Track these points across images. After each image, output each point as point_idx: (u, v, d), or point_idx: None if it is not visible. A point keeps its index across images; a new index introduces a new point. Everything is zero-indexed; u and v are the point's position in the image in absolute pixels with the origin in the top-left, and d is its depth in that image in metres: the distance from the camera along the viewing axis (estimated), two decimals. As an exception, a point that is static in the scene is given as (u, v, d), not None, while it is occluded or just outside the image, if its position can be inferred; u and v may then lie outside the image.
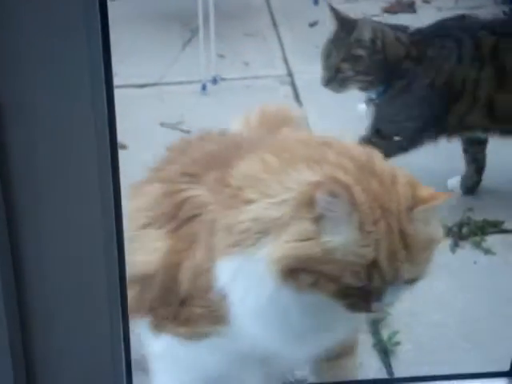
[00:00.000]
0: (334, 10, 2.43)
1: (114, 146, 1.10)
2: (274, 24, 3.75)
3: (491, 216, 2.47)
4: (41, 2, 0.97)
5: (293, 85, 3.28)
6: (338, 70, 2.39)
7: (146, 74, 3.35)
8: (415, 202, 1.27)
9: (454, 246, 2.39)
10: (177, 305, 1.47)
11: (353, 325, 1.46)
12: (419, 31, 2.50)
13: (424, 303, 2.13)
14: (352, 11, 3.69)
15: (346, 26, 2.42)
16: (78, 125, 1.04)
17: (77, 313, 1.17)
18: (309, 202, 1.25)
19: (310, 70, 3.35)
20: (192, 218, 1.45)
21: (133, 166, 2.56)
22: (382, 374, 1.97)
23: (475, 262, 2.34)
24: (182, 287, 1.44)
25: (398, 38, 2.42)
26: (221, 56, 3.42)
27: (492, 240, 2.41)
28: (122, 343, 1.24)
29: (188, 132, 2.82)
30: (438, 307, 2.16)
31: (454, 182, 2.61)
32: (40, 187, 1.07)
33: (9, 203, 1.06)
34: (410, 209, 1.27)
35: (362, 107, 2.57)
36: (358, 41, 2.38)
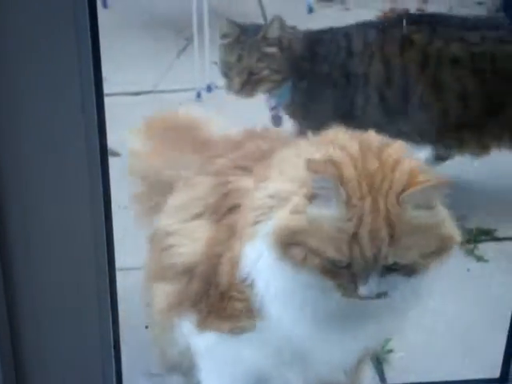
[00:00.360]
0: (229, 20, 2.45)
1: (104, 152, 1.10)
2: (269, 32, 3.75)
3: (484, 224, 2.48)
4: (31, 8, 0.97)
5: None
6: (251, 72, 2.39)
7: (140, 82, 3.35)
8: (408, 186, 1.29)
9: (447, 254, 2.39)
10: (217, 298, 1.49)
11: (374, 330, 1.45)
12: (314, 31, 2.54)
13: (416, 310, 2.13)
14: (347, 19, 3.73)
15: (247, 29, 2.44)
16: (67, 131, 1.05)
17: (66, 313, 1.17)
18: (304, 180, 1.31)
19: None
20: (234, 208, 1.49)
21: (126, 173, 2.58)
22: (375, 382, 1.97)
23: (468, 270, 2.34)
24: (222, 280, 1.47)
25: (300, 37, 2.46)
26: (215, 64, 3.42)
27: (484, 247, 2.42)
28: (112, 351, 1.24)
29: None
30: (430, 314, 2.16)
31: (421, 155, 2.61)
32: (30, 191, 1.07)
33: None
34: (401, 192, 1.28)
35: None
36: (266, 39, 2.40)
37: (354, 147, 1.36)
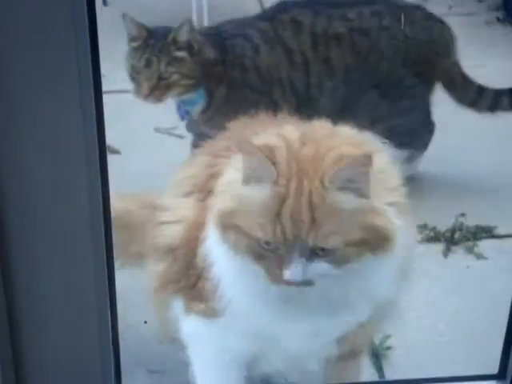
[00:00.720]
0: (136, 22, 2.37)
1: (102, 149, 1.11)
2: (269, 30, 3.75)
3: (483, 221, 2.48)
4: (30, 5, 0.97)
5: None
6: (161, 77, 2.32)
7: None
8: (333, 166, 1.29)
9: (447, 251, 2.39)
10: (195, 280, 1.51)
11: (324, 320, 1.45)
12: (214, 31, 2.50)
13: (416, 307, 2.13)
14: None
15: (155, 32, 2.38)
16: (66, 128, 1.05)
17: (65, 311, 1.17)
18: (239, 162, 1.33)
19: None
20: (213, 190, 1.48)
21: (126, 171, 2.59)
22: (374, 379, 1.97)
23: (467, 267, 2.34)
24: (198, 261, 1.49)
25: (209, 42, 2.42)
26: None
27: (484, 245, 2.42)
28: (111, 347, 1.24)
29: (182, 137, 2.82)
30: (429, 312, 2.17)
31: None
32: (28, 189, 1.07)
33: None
34: (326, 172, 1.28)
35: None
36: (175, 42, 2.34)
37: (293, 136, 1.37)
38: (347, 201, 1.28)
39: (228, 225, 1.34)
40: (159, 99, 2.34)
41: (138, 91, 2.32)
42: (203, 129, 2.44)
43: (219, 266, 1.45)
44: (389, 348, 2.03)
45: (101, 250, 1.16)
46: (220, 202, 1.37)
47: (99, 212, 1.13)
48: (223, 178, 1.44)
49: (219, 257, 1.44)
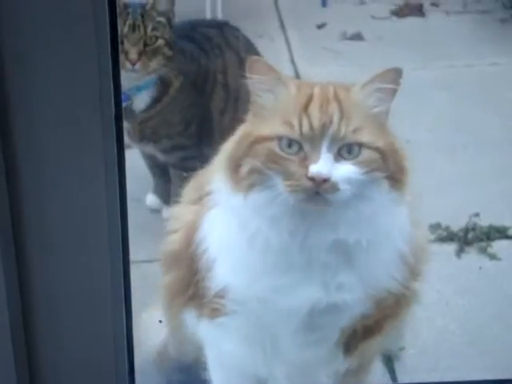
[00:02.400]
0: None
1: (120, 146, 1.09)
2: (282, 25, 3.74)
3: (497, 221, 2.46)
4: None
5: (300, 87, 3.26)
6: (146, 43, 2.31)
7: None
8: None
9: (460, 252, 2.37)
10: (196, 283, 1.48)
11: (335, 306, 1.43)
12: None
13: (429, 308, 2.12)
14: (362, 13, 3.71)
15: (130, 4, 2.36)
16: (85, 119, 1.04)
17: (80, 310, 1.16)
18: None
19: (318, 72, 3.35)
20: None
21: (138, 164, 2.58)
22: (386, 380, 1.95)
23: (480, 268, 2.32)
24: (195, 250, 1.47)
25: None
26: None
27: (498, 246, 2.40)
28: (125, 342, 1.23)
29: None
30: (442, 312, 2.15)
31: (152, 198, 2.60)
32: (46, 176, 1.06)
33: (13, 192, 1.06)
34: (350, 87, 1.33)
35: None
36: (155, 10, 2.34)
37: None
38: (372, 105, 1.31)
39: (241, 156, 1.32)
40: (145, 67, 2.30)
41: (124, 62, 2.27)
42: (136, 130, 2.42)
43: (215, 246, 1.43)
44: (401, 349, 2.01)
45: (117, 243, 1.14)
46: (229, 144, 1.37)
47: (116, 206, 1.12)
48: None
49: (214, 239, 1.42)
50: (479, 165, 2.72)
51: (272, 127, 1.30)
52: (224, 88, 2.48)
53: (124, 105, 2.35)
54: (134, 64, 2.28)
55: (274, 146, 1.30)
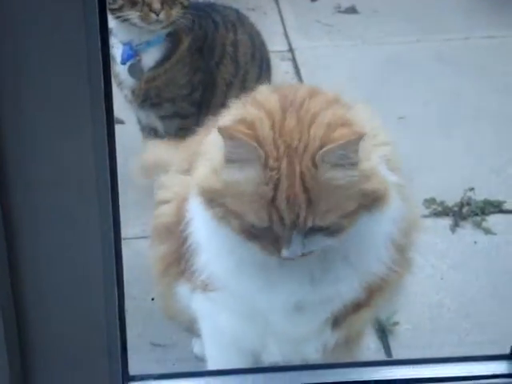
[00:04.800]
0: None
1: (110, 120, 1.07)
2: (275, -2, 3.71)
3: (492, 196, 2.45)
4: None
5: (294, 61, 3.24)
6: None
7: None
8: (324, 143, 1.24)
9: (455, 226, 2.36)
10: (188, 259, 1.48)
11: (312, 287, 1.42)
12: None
13: (423, 283, 2.12)
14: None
15: None
16: (74, 97, 1.02)
17: (71, 288, 1.15)
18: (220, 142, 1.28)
19: (312, 46, 3.33)
20: None
21: (130, 141, 2.56)
22: (381, 355, 1.95)
23: (475, 242, 2.31)
24: (184, 230, 1.47)
25: None
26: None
27: (492, 220, 2.39)
28: (117, 321, 1.22)
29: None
30: (437, 287, 2.15)
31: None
32: (33, 161, 1.05)
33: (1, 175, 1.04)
34: (317, 150, 1.24)
35: None
36: None
37: (272, 102, 1.31)
38: (340, 177, 1.24)
39: (215, 201, 1.30)
40: (168, 16, 2.26)
41: (148, 14, 2.24)
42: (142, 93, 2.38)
43: (198, 229, 1.43)
44: (396, 324, 2.01)
45: (108, 221, 1.13)
46: (203, 177, 1.32)
47: (106, 184, 1.10)
48: (204, 143, 1.42)
49: (197, 222, 1.42)
50: (474, 139, 2.71)
51: (241, 209, 1.26)
52: (233, 62, 2.47)
53: (132, 61, 2.35)
54: (158, 14, 2.24)
55: (243, 223, 1.27)
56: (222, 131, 1.24)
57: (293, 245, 1.27)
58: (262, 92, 1.38)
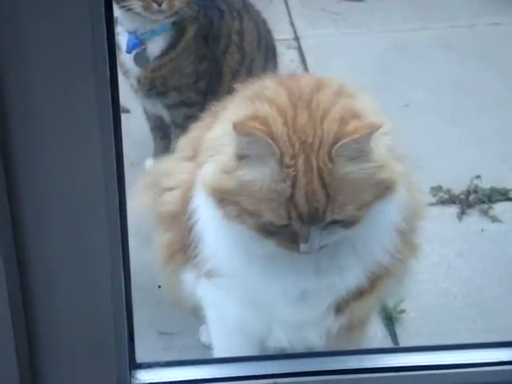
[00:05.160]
0: None
1: (116, 109, 1.07)
2: (281, -14, 3.70)
3: (499, 184, 2.44)
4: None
5: (299, 49, 3.24)
6: None
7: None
8: (339, 137, 1.24)
9: (461, 214, 2.36)
10: (194, 246, 1.48)
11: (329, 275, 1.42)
12: None
13: (430, 271, 2.12)
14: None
15: None
16: (79, 87, 1.02)
17: (79, 280, 1.15)
18: (232, 140, 1.27)
19: (317, 34, 3.32)
20: None
21: (137, 129, 2.56)
22: (387, 343, 1.95)
23: (482, 230, 2.31)
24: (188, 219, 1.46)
25: None
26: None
27: (499, 208, 2.38)
28: (125, 308, 1.22)
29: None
30: (444, 275, 2.15)
31: (151, 163, 2.55)
32: (40, 147, 1.05)
33: (6, 156, 1.04)
34: (332, 145, 1.23)
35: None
36: None
37: (282, 98, 1.30)
38: (356, 169, 1.25)
39: (227, 200, 1.29)
40: (170, 7, 2.24)
41: (150, 3, 2.21)
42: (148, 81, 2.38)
43: (204, 222, 1.43)
44: (402, 311, 2.01)
45: (114, 210, 1.13)
46: (213, 177, 1.30)
47: (113, 171, 1.10)
48: (210, 132, 1.41)
49: (204, 214, 1.41)
50: (481, 126, 2.70)
51: (257, 208, 1.25)
52: (239, 50, 2.46)
53: (137, 50, 2.35)
54: (160, 4, 2.23)
55: (259, 221, 1.27)
56: (237, 127, 1.23)
57: (311, 240, 1.27)
58: (269, 87, 1.36)
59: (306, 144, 1.24)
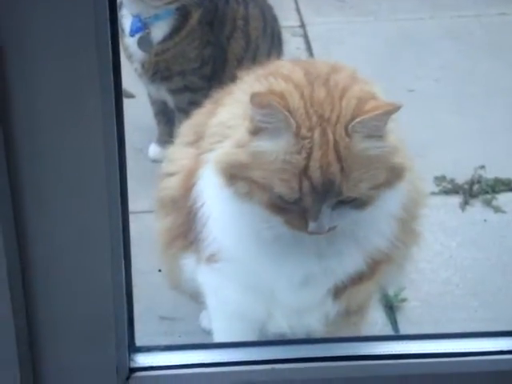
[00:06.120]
0: None
1: (118, 92, 1.07)
2: (288, -26, 3.68)
3: (503, 174, 2.44)
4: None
5: (305, 36, 3.23)
6: None
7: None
8: (357, 114, 1.25)
9: (465, 204, 2.36)
10: (195, 231, 1.48)
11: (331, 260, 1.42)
12: None
13: (432, 260, 2.12)
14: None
15: None
16: (81, 71, 1.02)
17: (78, 262, 1.16)
18: (247, 114, 1.27)
19: (323, 22, 3.31)
20: None
21: (141, 115, 2.56)
22: (388, 331, 1.96)
23: (485, 220, 2.31)
24: (192, 203, 1.46)
25: None
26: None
27: (503, 198, 2.38)
28: (125, 294, 1.23)
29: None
30: (446, 264, 2.15)
31: (154, 148, 2.56)
32: (42, 133, 1.05)
33: (8, 143, 1.04)
34: (350, 121, 1.24)
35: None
36: None
37: (298, 76, 1.31)
38: (372, 147, 1.25)
39: (238, 176, 1.29)
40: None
41: None
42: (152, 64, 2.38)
43: (209, 205, 1.42)
44: (404, 300, 2.01)
45: (115, 195, 1.13)
46: (224, 153, 1.31)
47: (114, 157, 1.11)
48: (215, 117, 1.41)
49: (210, 197, 1.41)
50: (486, 116, 2.69)
51: (269, 181, 1.25)
52: (244, 36, 2.46)
53: (141, 34, 2.34)
54: None
55: (270, 196, 1.27)
56: (254, 99, 1.23)
57: (321, 218, 1.27)
58: (285, 66, 1.38)
59: (324, 118, 1.25)
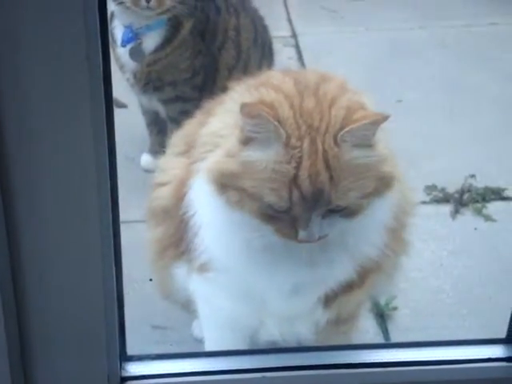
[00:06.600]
0: None
1: (109, 102, 1.08)
2: (279, -16, 3.70)
3: (493, 183, 2.45)
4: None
5: (297, 47, 3.24)
6: None
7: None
8: (346, 124, 1.26)
9: (455, 213, 2.37)
10: (187, 240, 1.49)
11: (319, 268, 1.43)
12: None
13: (422, 269, 2.13)
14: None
15: None
16: (72, 80, 1.02)
17: (70, 270, 1.16)
18: (238, 124, 1.29)
19: (315, 32, 3.33)
20: None
21: (133, 124, 2.57)
22: (379, 339, 1.96)
23: (475, 229, 2.32)
24: (183, 212, 1.47)
25: None
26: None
27: (493, 207, 2.39)
28: (116, 303, 1.23)
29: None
30: (436, 273, 2.16)
31: (146, 158, 2.57)
32: (33, 142, 1.05)
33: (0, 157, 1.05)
34: (339, 130, 1.26)
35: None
36: None
37: (288, 86, 1.33)
38: (361, 156, 1.26)
39: (229, 185, 1.30)
40: (160, 4, 2.24)
41: None
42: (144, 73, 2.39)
43: (201, 215, 1.43)
44: (394, 309, 2.02)
45: (106, 204, 1.13)
46: (216, 162, 1.32)
47: (105, 166, 1.11)
48: (207, 127, 1.42)
49: (202, 206, 1.42)
50: (475, 126, 2.71)
51: (259, 190, 1.26)
52: (235, 47, 2.47)
53: (132, 44, 2.35)
54: (148, 1, 2.24)
55: (260, 205, 1.28)
56: (244, 109, 1.25)
57: (311, 227, 1.28)
58: (275, 76, 1.40)
59: (313, 127, 1.26)
